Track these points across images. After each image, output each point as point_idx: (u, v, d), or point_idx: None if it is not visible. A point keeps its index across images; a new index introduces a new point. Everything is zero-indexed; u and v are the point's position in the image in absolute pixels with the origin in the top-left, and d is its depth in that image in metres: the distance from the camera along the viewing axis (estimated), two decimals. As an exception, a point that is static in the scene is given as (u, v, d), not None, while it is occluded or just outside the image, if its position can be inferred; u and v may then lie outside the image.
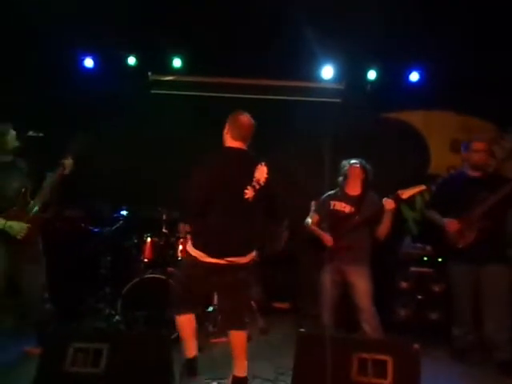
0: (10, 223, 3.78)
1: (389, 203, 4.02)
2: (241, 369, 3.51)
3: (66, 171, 4.02)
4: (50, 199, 3.98)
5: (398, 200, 4.01)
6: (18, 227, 3.81)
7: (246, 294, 3.66)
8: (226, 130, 3.53)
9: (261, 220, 3.51)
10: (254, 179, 3.41)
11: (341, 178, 4.34)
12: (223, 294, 3.69)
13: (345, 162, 4.35)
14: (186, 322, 3.57)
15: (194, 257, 3.44)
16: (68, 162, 4.02)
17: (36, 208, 3.91)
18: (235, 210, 3.37)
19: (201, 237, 3.47)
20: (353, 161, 4.30)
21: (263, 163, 3.48)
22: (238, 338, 3.51)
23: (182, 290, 3.60)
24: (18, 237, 3.81)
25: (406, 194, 4.02)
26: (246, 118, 3.52)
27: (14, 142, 3.99)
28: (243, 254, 3.43)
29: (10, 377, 3.63)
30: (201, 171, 3.39)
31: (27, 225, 3.84)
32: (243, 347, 3.52)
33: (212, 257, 3.38)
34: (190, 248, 3.51)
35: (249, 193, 3.38)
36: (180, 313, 3.57)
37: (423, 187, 4.06)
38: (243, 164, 3.45)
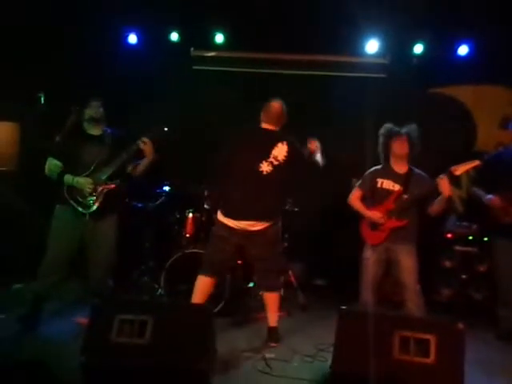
0: (77, 179, 4.00)
1: (444, 183, 3.82)
2: (273, 320, 4.02)
3: (149, 158, 4.16)
4: (117, 173, 4.11)
5: (451, 177, 3.83)
6: (84, 181, 4.00)
7: (268, 260, 3.94)
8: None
9: (277, 194, 3.92)
10: (271, 155, 3.83)
11: (383, 149, 4.17)
12: (252, 259, 4.10)
13: (390, 129, 4.12)
14: (200, 283, 3.96)
15: (217, 218, 3.99)
16: (146, 146, 4.10)
17: (103, 177, 4.05)
18: (249, 181, 3.84)
19: (221, 201, 4.02)
20: (398, 129, 4.09)
21: (285, 142, 3.88)
22: (267, 298, 4.02)
23: (207, 253, 4.08)
24: (86, 193, 3.99)
25: (459, 170, 3.82)
26: (275, 104, 3.98)
27: (92, 114, 4.10)
28: (253, 220, 3.82)
29: (60, 345, 3.76)
30: (222, 148, 4.02)
31: (92, 181, 4.00)
32: (273, 305, 4.01)
33: (227, 217, 3.87)
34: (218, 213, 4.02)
35: (264, 167, 3.82)
36: (201, 273, 3.99)
37: (477, 162, 3.86)
38: (262, 142, 3.90)
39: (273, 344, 3.95)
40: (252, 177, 3.83)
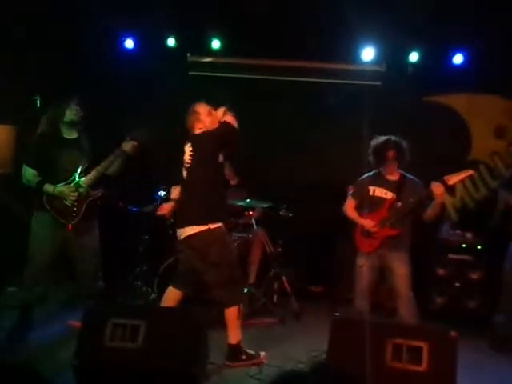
0: (58, 188, 3.88)
1: (438, 189, 3.80)
2: (232, 336, 3.74)
3: (128, 152, 4.08)
4: (101, 178, 4.05)
5: (444, 186, 3.81)
6: (67, 191, 3.90)
7: (215, 272, 3.73)
8: None
9: (200, 197, 3.78)
10: (185, 161, 3.87)
11: (373, 159, 4.16)
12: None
13: (377, 142, 4.12)
14: (167, 293, 3.87)
15: None
16: (129, 145, 4.06)
17: (87, 184, 3.97)
18: (181, 190, 3.95)
19: None
20: (384, 139, 4.09)
21: (187, 142, 3.89)
22: (225, 313, 3.74)
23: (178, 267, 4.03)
24: (69, 202, 3.90)
25: (452, 179, 3.81)
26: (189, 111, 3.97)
27: (73, 116, 4.00)
28: (182, 226, 3.77)
29: (53, 348, 3.75)
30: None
31: (75, 190, 3.91)
32: (230, 321, 3.73)
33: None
34: None
35: (185, 173, 3.88)
36: (170, 284, 3.91)
37: (470, 172, 3.86)
38: (183, 151, 3.93)
39: (228, 363, 3.68)
40: (183, 186, 3.94)
